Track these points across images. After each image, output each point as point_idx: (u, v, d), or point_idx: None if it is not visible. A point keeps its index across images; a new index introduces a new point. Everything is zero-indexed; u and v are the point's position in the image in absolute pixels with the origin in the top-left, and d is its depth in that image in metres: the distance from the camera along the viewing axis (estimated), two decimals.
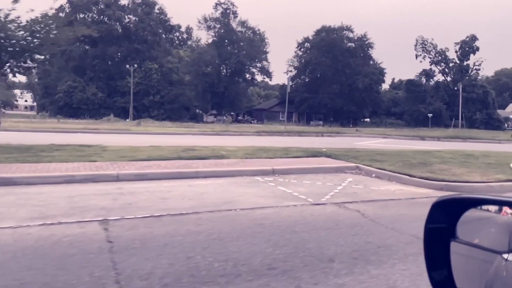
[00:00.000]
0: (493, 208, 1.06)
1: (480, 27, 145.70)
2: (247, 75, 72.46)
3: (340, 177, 9.28)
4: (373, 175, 9.69)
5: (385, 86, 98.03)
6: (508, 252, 0.95)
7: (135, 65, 62.66)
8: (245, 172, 8.89)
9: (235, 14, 75.23)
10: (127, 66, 61.70)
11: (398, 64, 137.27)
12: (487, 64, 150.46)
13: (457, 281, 1.04)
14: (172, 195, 6.69)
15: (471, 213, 1.07)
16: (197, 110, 72.84)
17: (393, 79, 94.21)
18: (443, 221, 1.09)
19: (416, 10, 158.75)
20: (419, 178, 8.77)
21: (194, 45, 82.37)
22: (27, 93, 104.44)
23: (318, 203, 6.65)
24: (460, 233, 1.08)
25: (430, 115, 67.95)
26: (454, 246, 1.07)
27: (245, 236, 4.70)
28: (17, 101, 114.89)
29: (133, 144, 13.20)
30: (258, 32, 75.66)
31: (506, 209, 1.02)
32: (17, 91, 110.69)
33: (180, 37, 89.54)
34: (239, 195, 6.92)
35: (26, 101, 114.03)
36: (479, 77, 77.09)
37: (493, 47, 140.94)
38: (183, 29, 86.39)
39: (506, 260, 0.94)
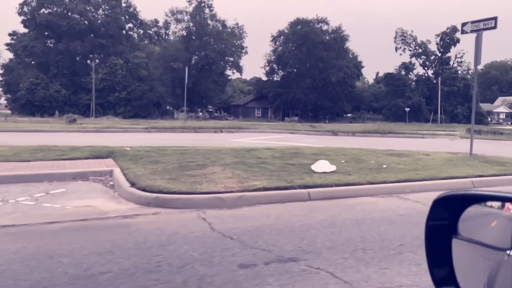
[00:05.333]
0: (495, 204, 1.04)
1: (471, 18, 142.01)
2: (218, 70, 69.86)
3: (52, 187, 7.03)
4: (111, 183, 7.44)
5: (370, 80, 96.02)
6: (511, 248, 0.94)
7: (97, 61, 60.51)
8: None
9: (210, 7, 72.77)
10: (88, 62, 59.56)
11: (383, 58, 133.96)
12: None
13: (459, 279, 1.03)
14: None
15: (473, 210, 1.05)
16: (168, 107, 70.56)
17: (377, 73, 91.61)
18: (445, 218, 1.07)
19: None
20: (137, 188, 6.52)
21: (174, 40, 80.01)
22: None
23: None
24: (462, 230, 1.06)
25: (407, 109, 65.36)
26: (455, 243, 1.05)
27: None
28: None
29: None
30: (235, 26, 73.23)
31: (508, 205, 1.01)
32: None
33: (158, 32, 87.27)
34: None
35: None
36: (461, 70, 74.35)
37: (484, 39, 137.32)
38: (160, 24, 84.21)
39: (509, 255, 0.93)
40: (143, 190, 6.39)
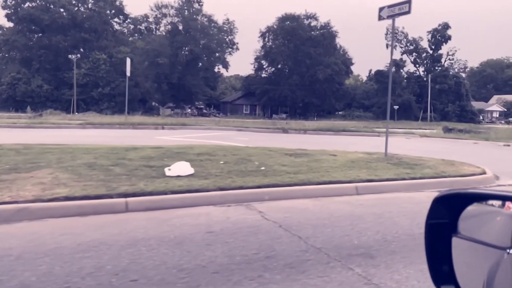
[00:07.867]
0: (496, 203, 1.03)
1: (468, 16, 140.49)
2: (204, 66, 68.51)
3: None
4: None
5: (364, 77, 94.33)
6: (511, 247, 0.93)
7: (79, 55, 59.38)
8: None
9: (199, 2, 71.30)
10: (70, 56, 58.42)
11: (378, 55, 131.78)
12: (473, 55, 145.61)
13: (458, 277, 1.01)
14: None
15: (473, 208, 1.03)
16: (153, 103, 69.34)
17: (370, 70, 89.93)
18: (445, 216, 1.05)
19: None
20: None
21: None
22: None
23: None
24: (462, 228, 1.04)
25: (396, 107, 63.88)
26: (455, 242, 1.03)
27: None
28: None
29: None
30: (226, 21, 71.87)
31: (509, 203, 1.00)
32: None
33: (148, 27, 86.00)
34: None
35: None
36: (457, 67, 72.97)
37: (480, 37, 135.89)
38: (151, 19, 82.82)
39: (509, 253, 0.92)
40: None
